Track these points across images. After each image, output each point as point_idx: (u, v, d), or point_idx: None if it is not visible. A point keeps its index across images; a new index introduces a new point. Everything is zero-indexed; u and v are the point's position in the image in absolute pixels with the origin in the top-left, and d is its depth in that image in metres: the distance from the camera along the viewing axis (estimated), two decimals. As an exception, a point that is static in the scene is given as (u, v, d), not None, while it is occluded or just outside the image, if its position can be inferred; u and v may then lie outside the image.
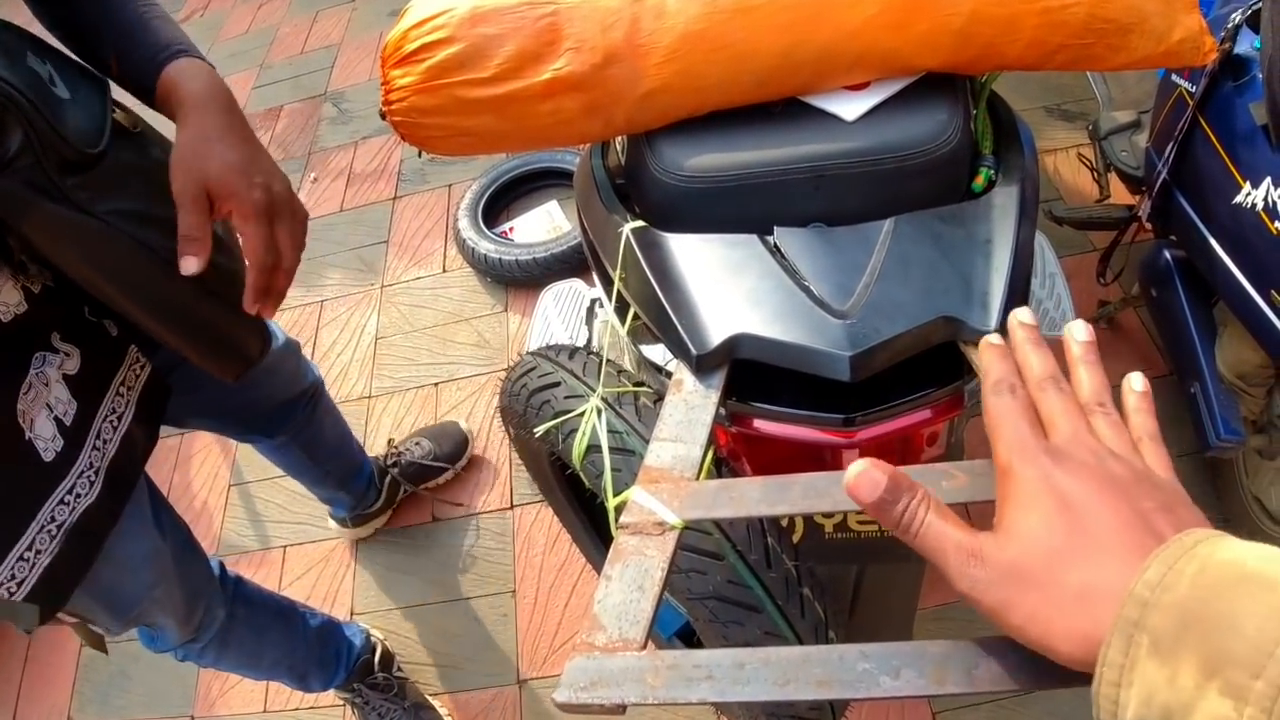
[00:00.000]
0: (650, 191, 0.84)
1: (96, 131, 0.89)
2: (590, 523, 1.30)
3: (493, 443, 2.14)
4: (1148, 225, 1.74)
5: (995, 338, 0.58)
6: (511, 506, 2.03)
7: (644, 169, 0.84)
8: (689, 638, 1.31)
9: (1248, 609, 0.37)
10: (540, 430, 0.90)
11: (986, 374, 0.55)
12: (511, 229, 2.48)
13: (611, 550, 0.58)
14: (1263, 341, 1.38)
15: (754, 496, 0.58)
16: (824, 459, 0.82)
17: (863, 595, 1.12)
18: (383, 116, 0.90)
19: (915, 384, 0.74)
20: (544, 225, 2.45)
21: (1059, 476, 0.47)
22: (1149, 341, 2.05)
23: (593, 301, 1.61)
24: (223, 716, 1.92)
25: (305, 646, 1.64)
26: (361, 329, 2.50)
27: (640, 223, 0.82)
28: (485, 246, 2.37)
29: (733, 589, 0.79)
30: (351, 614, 1.97)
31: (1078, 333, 0.57)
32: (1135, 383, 0.55)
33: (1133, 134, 2.01)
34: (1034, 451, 0.49)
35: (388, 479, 2.00)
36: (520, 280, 2.36)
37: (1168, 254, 1.72)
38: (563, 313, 1.63)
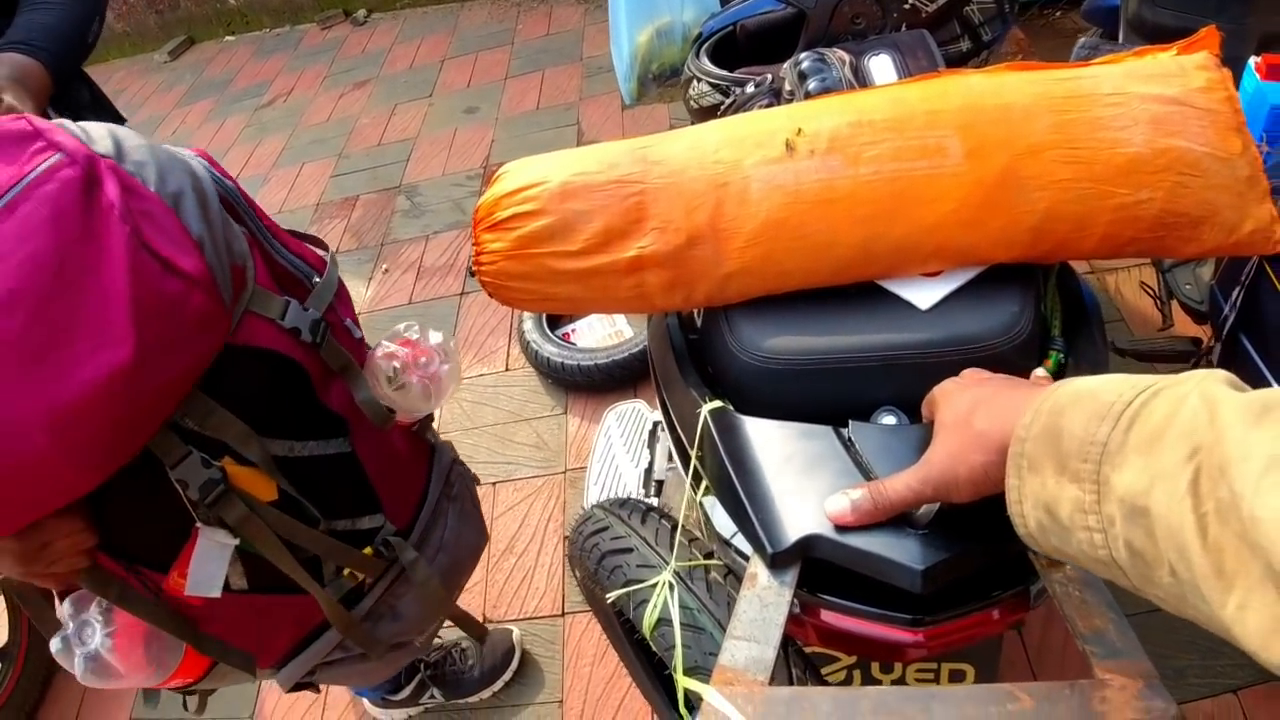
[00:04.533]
0: (726, 368, 0.87)
1: None
2: (652, 670, 1.30)
3: (546, 548, 2.16)
4: (1214, 364, 1.73)
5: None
6: (563, 614, 2.04)
7: (721, 344, 0.87)
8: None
9: (1077, 417, 0.52)
10: (612, 597, 0.93)
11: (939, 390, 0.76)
12: (573, 332, 2.54)
13: (687, 756, 0.59)
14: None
15: (825, 709, 0.59)
16: (888, 644, 0.83)
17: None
18: (471, 274, 0.95)
19: (982, 584, 0.75)
20: (605, 330, 2.50)
21: (961, 385, 0.71)
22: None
23: (655, 424, 1.64)
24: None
25: None
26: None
27: (718, 403, 0.85)
28: (548, 349, 2.42)
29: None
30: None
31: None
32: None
33: (1196, 267, 2.01)
34: (950, 384, 0.73)
35: (418, 678, 1.88)
36: (581, 385, 2.40)
37: (1233, 393, 1.70)
38: (625, 434, 1.66)
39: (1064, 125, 0.84)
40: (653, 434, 1.62)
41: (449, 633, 2.01)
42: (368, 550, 1.01)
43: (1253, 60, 1.78)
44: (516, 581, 2.12)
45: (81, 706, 2.16)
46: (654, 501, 1.45)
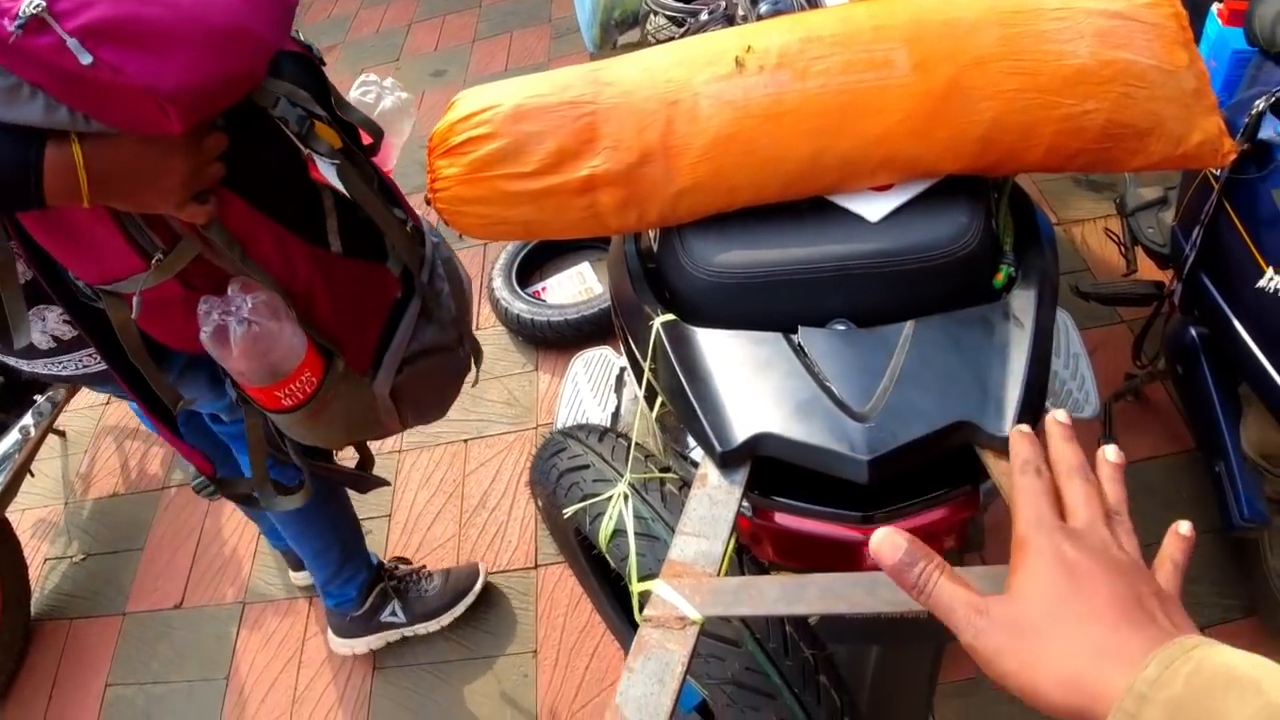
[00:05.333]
0: (680, 284, 0.88)
1: None
2: (612, 594, 1.32)
3: (519, 502, 2.17)
4: (1176, 304, 1.75)
5: (1025, 428, 0.63)
6: (535, 566, 2.05)
7: (675, 262, 0.88)
8: (706, 711, 1.33)
9: (1236, 708, 0.41)
10: (569, 512, 0.94)
11: (1016, 454, 0.60)
12: (544, 289, 2.54)
13: (635, 642, 0.60)
14: (1286, 426, 1.39)
15: (772, 596, 0.60)
16: (842, 549, 0.84)
17: (882, 676, 1.13)
18: (428, 202, 0.95)
19: (934, 482, 0.76)
20: (576, 287, 2.50)
21: (1068, 549, 0.52)
22: (1176, 415, 2.05)
23: (622, 370, 1.65)
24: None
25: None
26: (394, 383, 2.55)
27: (670, 317, 0.86)
28: (518, 306, 2.42)
29: (750, 675, 0.81)
30: (374, 668, 1.99)
31: (1110, 454, 0.61)
32: (1183, 529, 0.58)
33: (1159, 211, 2.03)
34: (1050, 527, 0.54)
35: (379, 587, 1.94)
36: (551, 341, 2.41)
37: (1193, 332, 1.73)
38: (592, 380, 1.67)
39: (1010, 38, 0.85)
40: (619, 379, 1.63)
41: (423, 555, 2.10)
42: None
43: (1215, 6, 1.79)
44: (490, 535, 2.14)
45: (57, 675, 2.16)
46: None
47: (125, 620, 2.23)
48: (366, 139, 1.18)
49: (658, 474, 0.90)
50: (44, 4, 0.78)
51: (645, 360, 0.86)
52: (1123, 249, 2.15)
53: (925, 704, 1.21)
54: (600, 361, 1.70)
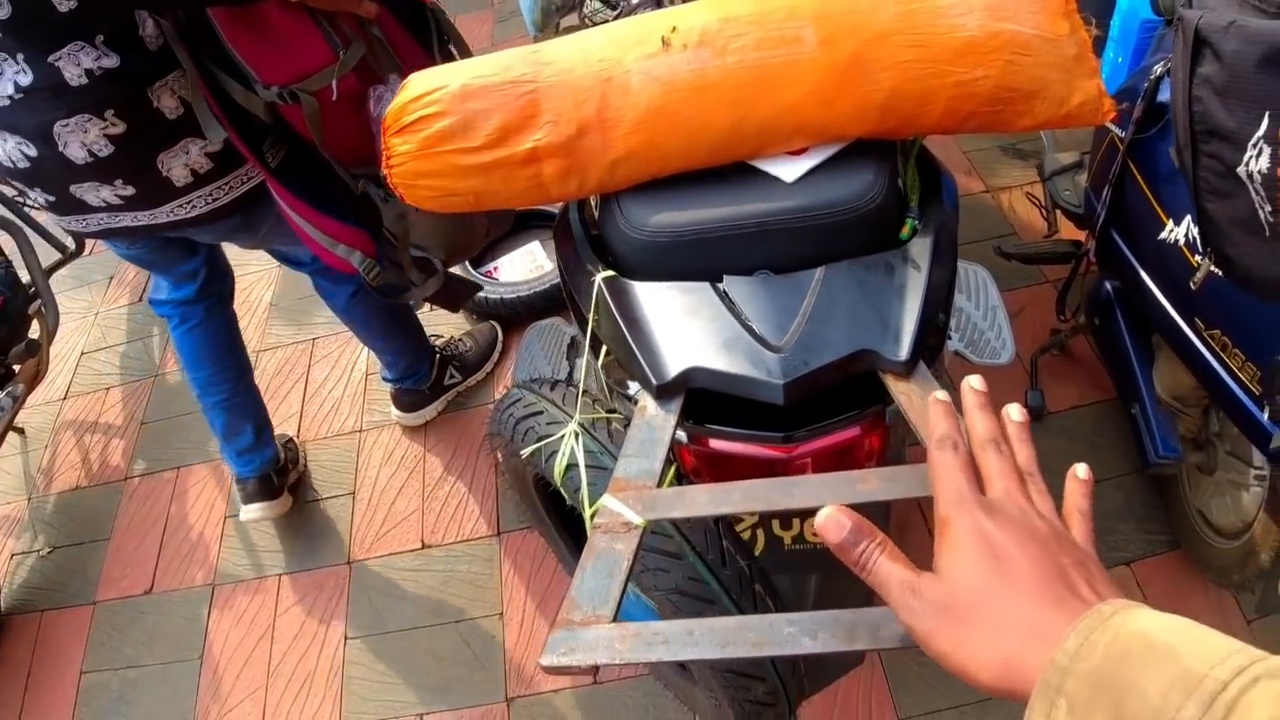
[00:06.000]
0: (619, 245, 0.97)
1: None
2: (569, 537, 1.42)
3: (480, 474, 2.25)
4: (1094, 260, 1.86)
5: (943, 394, 0.64)
6: (498, 533, 2.13)
7: (614, 225, 0.97)
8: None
9: (1153, 677, 0.40)
10: (526, 452, 1.03)
11: (933, 430, 0.60)
12: (496, 269, 2.61)
13: (586, 547, 0.69)
14: (1190, 367, 1.50)
15: (703, 500, 0.70)
16: (771, 469, 0.93)
17: (822, 603, 1.24)
18: (384, 178, 1.03)
19: (843, 406, 0.86)
20: (527, 265, 2.58)
21: (989, 527, 0.53)
22: (1098, 366, 2.17)
23: (573, 338, 1.74)
24: (223, 739, 2.00)
25: (249, 394, 2.09)
26: (352, 366, 2.62)
27: (610, 273, 0.95)
28: (471, 286, 2.49)
29: (692, 584, 0.91)
30: (345, 638, 2.06)
31: (1014, 413, 0.62)
32: (1079, 471, 0.60)
33: (1075, 174, 2.15)
34: (969, 504, 0.54)
35: (437, 358, 2.33)
36: (505, 318, 2.49)
37: (1108, 286, 1.85)
38: (546, 348, 1.76)
39: (908, 14, 0.94)
40: (570, 346, 1.72)
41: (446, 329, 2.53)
42: None
43: (1127, -21, 1.90)
44: (453, 507, 2.21)
45: (31, 666, 2.19)
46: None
47: (96, 609, 2.27)
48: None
49: (605, 414, 0.99)
50: None
51: (589, 313, 0.95)
52: (1043, 212, 2.27)
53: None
54: (553, 331, 1.79)
